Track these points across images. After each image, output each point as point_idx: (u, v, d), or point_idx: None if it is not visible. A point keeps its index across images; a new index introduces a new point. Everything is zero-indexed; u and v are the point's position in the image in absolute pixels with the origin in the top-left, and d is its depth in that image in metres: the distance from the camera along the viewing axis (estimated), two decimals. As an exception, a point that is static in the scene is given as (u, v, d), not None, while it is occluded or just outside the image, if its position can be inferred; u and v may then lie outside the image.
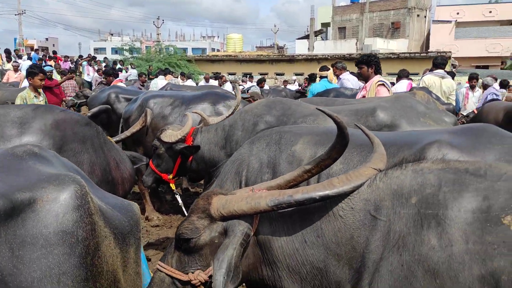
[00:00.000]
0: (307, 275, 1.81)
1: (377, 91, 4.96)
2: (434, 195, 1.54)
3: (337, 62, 8.25)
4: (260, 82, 15.44)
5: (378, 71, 5.23)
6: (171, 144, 3.98)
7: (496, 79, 13.12)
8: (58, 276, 1.15)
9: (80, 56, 28.22)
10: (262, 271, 1.91)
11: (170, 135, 3.95)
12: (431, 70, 6.99)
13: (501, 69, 36.51)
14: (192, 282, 1.85)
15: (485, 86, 10.32)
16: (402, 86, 7.80)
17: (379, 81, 5.14)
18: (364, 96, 5.11)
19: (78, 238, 1.21)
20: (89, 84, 17.43)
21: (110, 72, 9.54)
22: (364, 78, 5.51)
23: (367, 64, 5.28)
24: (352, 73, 8.79)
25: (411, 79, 9.56)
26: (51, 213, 1.19)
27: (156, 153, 4.11)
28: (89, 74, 19.19)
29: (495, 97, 9.43)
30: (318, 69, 8.60)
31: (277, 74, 32.46)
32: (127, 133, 3.88)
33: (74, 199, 1.23)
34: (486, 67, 36.11)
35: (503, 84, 12.59)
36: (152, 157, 4.21)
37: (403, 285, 1.48)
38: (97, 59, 27.21)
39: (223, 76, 15.34)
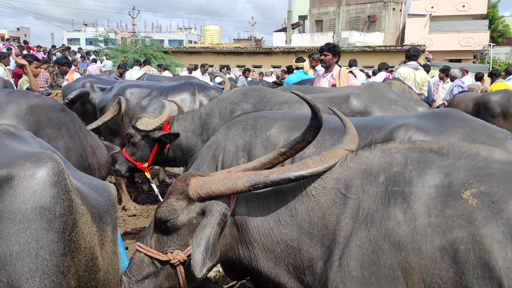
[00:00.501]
0: (281, 253, 1.87)
1: (347, 79, 5.10)
2: (400, 173, 1.61)
3: (314, 54, 8.33)
4: (245, 72, 15.45)
5: (337, 62, 5.41)
6: (148, 132, 3.96)
7: (467, 72, 13.48)
8: (37, 250, 1.17)
9: (53, 46, 27.60)
10: (238, 251, 1.97)
11: (146, 123, 3.93)
12: (404, 62, 7.15)
13: (473, 62, 37.42)
14: (171, 261, 1.89)
15: (452, 78, 10.61)
16: (379, 78, 7.95)
17: (347, 68, 5.30)
18: (334, 85, 5.21)
19: (56, 213, 1.24)
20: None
21: (63, 62, 9.14)
22: (326, 66, 5.58)
23: (333, 53, 5.40)
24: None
25: (390, 71, 9.76)
26: (29, 189, 1.21)
27: (131, 142, 4.07)
28: (63, 64, 18.83)
29: (460, 89, 9.72)
30: (294, 60, 8.64)
31: (254, 67, 32.46)
32: (99, 122, 3.85)
33: (51, 175, 1.25)
34: (459, 60, 36.93)
35: (478, 77, 12.92)
36: (125, 145, 4.16)
37: (371, 258, 1.55)
38: (71, 49, 26.65)
39: (205, 64, 15.19)
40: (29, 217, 1.19)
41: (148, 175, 4.29)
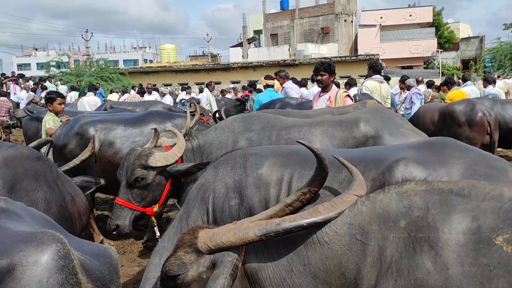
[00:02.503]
0: None
1: (344, 102, 5.05)
2: (423, 218, 1.53)
3: (280, 71, 8.33)
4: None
5: (334, 81, 5.32)
6: (167, 166, 3.48)
7: (422, 80, 13.97)
8: None
9: (3, 74, 26.45)
10: None
11: (164, 156, 3.47)
12: (369, 76, 7.28)
13: (424, 68, 38.97)
14: None
15: (408, 87, 10.93)
16: (352, 93, 8.06)
17: (344, 91, 5.26)
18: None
19: (66, 301, 1.10)
20: (17, 104, 16.35)
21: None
22: (324, 86, 5.40)
23: (330, 73, 5.28)
24: (293, 80, 8.96)
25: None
26: (34, 279, 1.07)
27: (141, 185, 3.48)
28: (16, 93, 18.03)
29: (419, 96, 10.02)
30: (263, 77, 8.47)
31: (214, 83, 32.41)
32: (76, 161, 3.52)
33: (57, 260, 1.11)
34: (411, 67, 38.37)
35: (429, 84, 13.37)
36: (123, 194, 3.53)
37: None
38: (24, 76, 25.67)
39: (212, 83, 14.83)
40: (38, 310, 1.05)
41: (154, 218, 3.73)
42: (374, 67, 7.13)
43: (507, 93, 15.80)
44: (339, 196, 1.79)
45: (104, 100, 14.40)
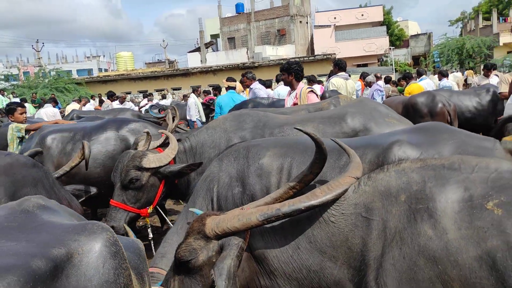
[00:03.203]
0: (304, 279, 1.90)
1: (308, 98, 5.20)
2: (421, 191, 1.69)
3: (247, 73, 8.42)
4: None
5: (298, 78, 5.46)
6: (160, 167, 3.52)
7: (380, 77, 14.50)
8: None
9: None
10: (260, 282, 1.99)
11: (158, 158, 3.51)
12: (334, 73, 7.53)
13: (378, 65, 40.26)
14: None
15: (369, 84, 11.34)
16: (317, 90, 8.27)
17: (308, 87, 5.42)
18: (296, 104, 5.31)
19: (121, 285, 1.17)
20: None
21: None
22: (288, 84, 5.66)
23: (288, 72, 5.46)
24: (260, 81, 9.10)
25: (320, 81, 10.15)
26: (91, 265, 1.13)
27: (135, 186, 3.54)
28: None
29: (380, 93, 10.43)
30: (225, 79, 8.52)
31: (173, 89, 32.16)
32: (66, 168, 3.48)
33: (109, 247, 1.18)
34: (366, 65, 39.56)
35: (387, 80, 13.91)
36: (118, 196, 3.57)
37: (408, 275, 1.61)
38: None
39: (198, 88, 14.26)
40: (97, 294, 1.12)
41: (148, 220, 3.79)
42: (339, 64, 7.38)
43: (457, 86, 16.61)
44: (335, 178, 1.91)
45: (61, 112, 14.06)
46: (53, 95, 19.37)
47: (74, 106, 15.18)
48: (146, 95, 19.03)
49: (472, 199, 1.60)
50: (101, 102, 17.53)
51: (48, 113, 12.18)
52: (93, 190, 3.63)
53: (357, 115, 3.64)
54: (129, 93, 31.50)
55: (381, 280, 1.66)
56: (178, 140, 4.00)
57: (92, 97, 22.21)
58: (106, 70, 56.39)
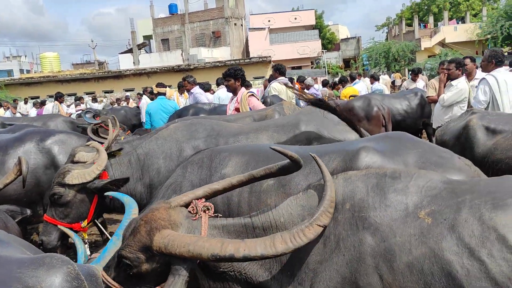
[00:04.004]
0: (255, 285, 1.91)
1: (249, 102, 5.22)
2: (364, 199, 1.79)
3: (188, 76, 8.30)
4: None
5: (243, 84, 5.48)
6: (85, 184, 3.42)
7: (316, 80, 14.93)
8: None
9: None
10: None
11: (81, 174, 3.39)
12: (274, 78, 7.63)
13: (311, 68, 41.42)
14: None
15: (307, 87, 11.65)
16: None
17: (248, 92, 5.42)
18: (237, 109, 5.30)
19: (84, 322, 1.09)
20: None
21: None
22: (232, 90, 5.64)
23: (234, 77, 5.45)
24: (200, 85, 8.99)
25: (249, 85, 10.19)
26: (52, 304, 1.04)
27: (61, 202, 3.43)
28: None
29: (316, 96, 10.75)
30: (155, 85, 8.29)
31: (105, 92, 30.95)
32: None
33: (70, 281, 1.09)
34: (300, 67, 40.54)
35: (324, 83, 14.37)
36: (48, 211, 3.50)
37: (350, 280, 1.69)
38: None
39: (148, 88, 12.92)
40: (60, 335, 1.03)
41: (85, 235, 3.60)
42: (279, 69, 7.50)
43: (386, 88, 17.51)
44: (302, 227, 1.72)
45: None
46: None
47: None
48: (77, 98, 18.09)
49: (408, 207, 1.72)
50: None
51: None
52: (27, 211, 3.38)
53: (310, 123, 3.73)
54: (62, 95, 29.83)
55: (324, 282, 1.73)
56: (119, 150, 3.84)
57: (15, 100, 20.72)
58: (28, 72, 52.99)
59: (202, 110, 6.59)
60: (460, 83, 6.19)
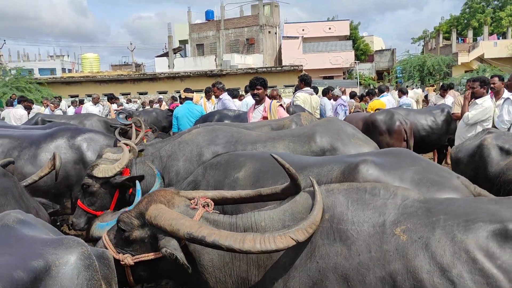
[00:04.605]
0: (232, 284, 2.06)
1: (278, 112, 5.43)
2: (343, 212, 1.88)
3: (218, 83, 8.54)
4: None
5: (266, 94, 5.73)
6: (108, 178, 3.77)
7: (344, 91, 14.99)
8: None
9: None
10: (186, 278, 2.13)
11: (105, 169, 3.76)
12: (300, 88, 7.80)
13: (343, 78, 41.28)
14: (120, 262, 2.07)
15: (335, 98, 11.73)
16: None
17: (277, 101, 5.63)
18: (265, 117, 5.50)
19: (92, 294, 1.30)
20: None
21: None
22: (260, 99, 5.80)
23: (264, 87, 5.68)
24: (228, 91, 9.24)
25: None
26: (67, 276, 1.26)
27: (89, 191, 3.84)
28: None
29: (343, 107, 10.83)
30: (183, 90, 8.59)
31: (140, 94, 31.81)
32: (35, 177, 3.52)
33: (83, 259, 1.31)
34: (331, 77, 40.44)
35: (351, 95, 14.41)
36: (81, 197, 3.92)
37: (320, 287, 1.79)
38: None
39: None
40: (72, 302, 1.25)
41: None
42: (305, 80, 7.67)
43: (416, 102, 17.30)
44: (275, 234, 1.81)
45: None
46: (14, 95, 18.75)
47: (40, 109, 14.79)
48: (110, 97, 18.68)
49: (385, 224, 1.80)
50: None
51: (16, 114, 11.80)
52: (57, 206, 3.69)
53: (325, 135, 3.83)
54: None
55: (297, 287, 1.85)
56: (141, 151, 4.14)
57: (57, 98, 21.60)
58: (70, 71, 55.00)
59: (227, 116, 6.81)
60: (485, 102, 6.17)
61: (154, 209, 2.01)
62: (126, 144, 4.24)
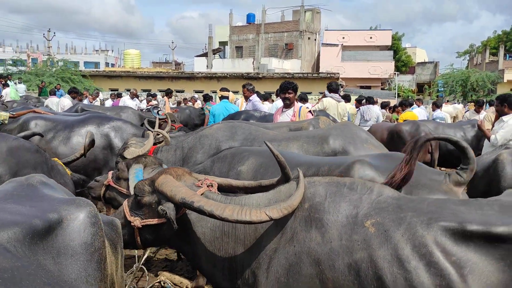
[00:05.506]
0: (220, 258, 2.25)
1: (307, 117, 5.58)
2: (321, 203, 2.04)
3: (247, 84, 8.77)
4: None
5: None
6: None
7: (376, 101, 14.92)
8: (86, 278, 1.46)
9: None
10: (182, 246, 2.40)
11: (132, 152, 4.04)
12: (325, 95, 7.95)
13: (381, 89, 40.76)
14: (131, 223, 2.32)
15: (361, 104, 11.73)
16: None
17: (307, 107, 5.84)
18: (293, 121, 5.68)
19: (96, 247, 1.53)
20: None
21: None
22: (290, 103, 5.91)
23: (295, 91, 5.85)
24: (257, 93, 9.47)
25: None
26: (75, 229, 1.50)
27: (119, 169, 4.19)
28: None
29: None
30: (219, 89, 8.87)
31: (177, 91, 32.60)
32: (77, 154, 3.90)
33: (90, 217, 1.55)
34: (369, 87, 40.06)
35: (383, 105, 14.35)
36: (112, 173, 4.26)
37: (295, 269, 1.97)
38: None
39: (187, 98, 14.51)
40: (77, 251, 1.48)
41: None
42: (329, 87, 7.81)
43: (455, 117, 16.96)
44: (252, 209, 1.99)
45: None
46: (58, 86, 19.67)
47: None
48: (149, 94, 19.32)
49: (357, 216, 1.96)
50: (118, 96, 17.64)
51: (61, 104, 12.30)
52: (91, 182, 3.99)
53: (339, 138, 3.97)
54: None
55: (274, 268, 2.03)
56: (160, 142, 4.45)
57: (96, 91, 22.56)
58: (113, 65, 56.96)
59: (253, 116, 7.01)
60: (511, 120, 6.11)
61: (163, 178, 2.26)
62: (159, 133, 4.58)
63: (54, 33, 47.42)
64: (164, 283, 4.40)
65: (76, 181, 3.74)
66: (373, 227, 1.89)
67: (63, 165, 3.67)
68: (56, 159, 3.66)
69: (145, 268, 4.44)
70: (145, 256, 4.48)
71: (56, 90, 15.14)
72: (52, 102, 12.45)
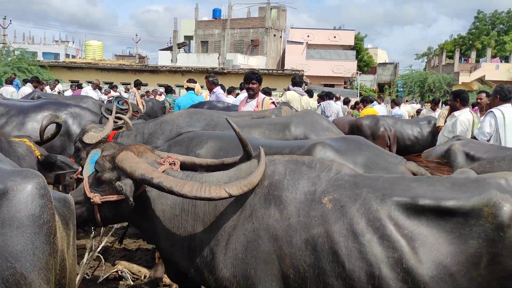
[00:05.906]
0: (179, 236, 2.22)
1: (269, 108, 5.58)
2: (280, 180, 2.07)
3: (211, 76, 8.73)
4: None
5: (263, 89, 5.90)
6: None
7: (339, 97, 15.22)
8: (33, 250, 1.40)
9: None
10: (142, 224, 2.36)
11: (91, 137, 4.03)
12: (288, 89, 8.01)
13: (344, 88, 41.51)
14: (90, 200, 2.29)
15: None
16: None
17: (269, 98, 5.84)
18: None
19: (44, 220, 1.46)
20: None
21: None
22: (253, 93, 5.86)
23: (259, 82, 5.81)
24: (221, 86, 9.43)
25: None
26: (22, 201, 1.43)
27: (78, 155, 4.12)
28: None
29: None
30: (186, 81, 8.77)
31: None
32: (49, 135, 4.06)
33: (39, 189, 1.48)
34: (332, 85, 40.68)
35: (345, 102, 14.65)
36: (73, 154, 4.27)
37: (253, 245, 1.99)
38: None
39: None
40: (24, 223, 1.41)
41: None
42: (293, 80, 7.89)
43: (413, 116, 17.59)
44: (212, 185, 1.99)
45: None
46: (13, 75, 18.87)
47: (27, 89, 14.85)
48: (111, 86, 18.91)
49: (315, 193, 2.00)
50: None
51: (22, 92, 11.91)
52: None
53: (300, 125, 4.00)
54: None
55: (233, 245, 2.05)
56: (120, 128, 4.40)
57: (56, 81, 21.79)
58: (73, 57, 55.07)
59: (216, 107, 6.95)
60: (462, 115, 6.35)
61: (124, 154, 2.22)
62: (120, 118, 4.50)
63: (10, 21, 45.56)
64: (121, 272, 4.32)
65: (51, 162, 3.59)
66: (330, 203, 1.92)
67: (32, 145, 3.56)
68: (25, 140, 3.55)
69: (102, 257, 4.34)
70: (103, 244, 4.38)
71: (12, 79, 14.56)
72: (7, 91, 12.01)
